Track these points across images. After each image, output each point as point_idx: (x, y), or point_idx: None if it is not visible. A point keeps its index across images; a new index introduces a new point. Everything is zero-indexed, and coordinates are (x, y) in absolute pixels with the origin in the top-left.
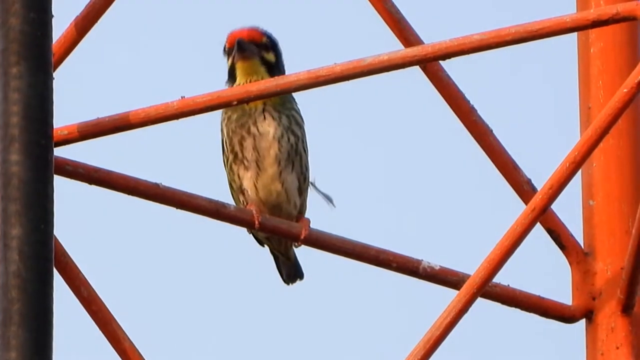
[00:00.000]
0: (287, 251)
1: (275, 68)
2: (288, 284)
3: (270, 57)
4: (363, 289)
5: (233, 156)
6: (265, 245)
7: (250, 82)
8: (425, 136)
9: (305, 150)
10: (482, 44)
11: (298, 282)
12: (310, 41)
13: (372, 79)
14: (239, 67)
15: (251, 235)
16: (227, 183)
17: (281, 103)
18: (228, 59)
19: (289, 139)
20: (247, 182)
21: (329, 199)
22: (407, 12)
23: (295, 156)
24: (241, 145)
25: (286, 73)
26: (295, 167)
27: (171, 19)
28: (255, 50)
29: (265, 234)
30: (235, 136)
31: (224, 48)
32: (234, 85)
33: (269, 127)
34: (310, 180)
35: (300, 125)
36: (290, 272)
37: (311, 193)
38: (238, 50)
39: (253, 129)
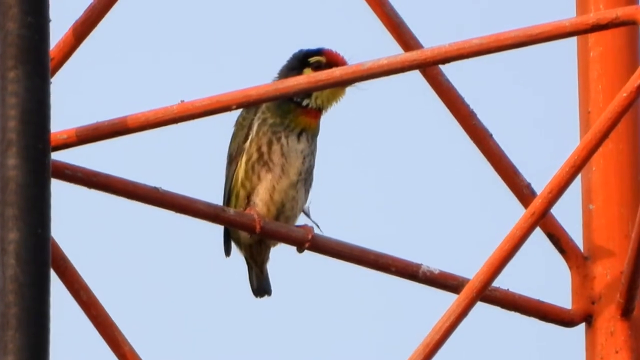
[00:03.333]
0: (262, 264)
1: None
2: (256, 296)
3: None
4: (362, 293)
5: (258, 155)
6: (242, 254)
7: (330, 106)
8: (424, 140)
9: (313, 173)
10: (482, 48)
11: (266, 298)
12: (310, 45)
13: (372, 83)
14: (334, 89)
15: (222, 241)
16: (225, 186)
17: (316, 134)
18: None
19: (310, 160)
20: (266, 183)
21: (317, 226)
22: (407, 16)
23: (309, 176)
24: (269, 147)
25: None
26: (306, 185)
27: (170, 23)
28: None
29: (254, 240)
30: (264, 137)
31: (317, 61)
32: (309, 99)
33: (298, 146)
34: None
35: (315, 156)
36: (260, 286)
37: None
38: None
39: (284, 141)
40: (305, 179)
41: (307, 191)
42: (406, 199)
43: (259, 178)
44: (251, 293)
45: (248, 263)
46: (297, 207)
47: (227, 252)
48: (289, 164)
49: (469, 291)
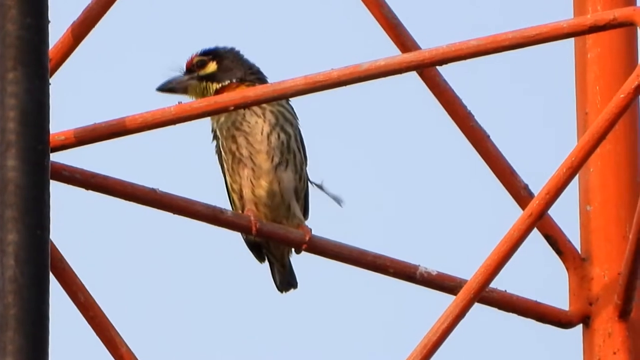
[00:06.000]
0: (282, 258)
1: (225, 70)
2: (281, 291)
3: (211, 68)
4: (360, 294)
5: (232, 156)
6: (264, 253)
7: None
8: (422, 142)
9: (300, 150)
10: (479, 49)
11: (292, 291)
12: (308, 47)
13: (369, 85)
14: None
15: (247, 245)
16: (225, 191)
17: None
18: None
19: (279, 136)
20: (245, 181)
21: (337, 199)
22: (404, 18)
23: (288, 154)
24: (235, 142)
25: (255, 64)
26: (289, 166)
27: (168, 24)
28: (183, 78)
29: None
30: (229, 135)
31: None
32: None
33: (256, 124)
34: (317, 182)
35: (291, 122)
36: (284, 280)
37: (318, 193)
38: (165, 90)
39: (244, 126)
40: (285, 161)
41: (297, 172)
42: (404, 200)
43: (240, 176)
44: (275, 289)
45: (269, 259)
46: (288, 191)
47: (260, 258)
48: (256, 152)
49: (467, 292)
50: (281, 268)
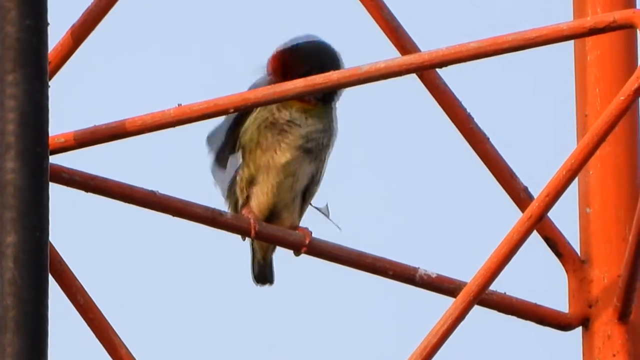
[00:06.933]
0: (266, 251)
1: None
2: (257, 284)
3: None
4: (359, 297)
5: (272, 122)
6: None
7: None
8: (421, 144)
9: (324, 165)
10: (479, 51)
11: (268, 287)
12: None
13: (369, 87)
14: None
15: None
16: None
17: (324, 115)
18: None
19: (321, 136)
20: (272, 144)
21: (335, 223)
22: (404, 20)
23: (319, 152)
24: (289, 110)
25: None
26: (314, 162)
27: (168, 26)
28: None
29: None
30: (284, 104)
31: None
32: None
33: (306, 121)
34: (319, 205)
35: (332, 135)
36: (262, 273)
37: (317, 214)
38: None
39: (288, 117)
40: (316, 155)
41: (314, 173)
42: (403, 202)
43: (271, 137)
44: (252, 280)
45: (253, 249)
46: (301, 180)
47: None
48: (298, 125)
49: (466, 295)
50: (262, 261)
